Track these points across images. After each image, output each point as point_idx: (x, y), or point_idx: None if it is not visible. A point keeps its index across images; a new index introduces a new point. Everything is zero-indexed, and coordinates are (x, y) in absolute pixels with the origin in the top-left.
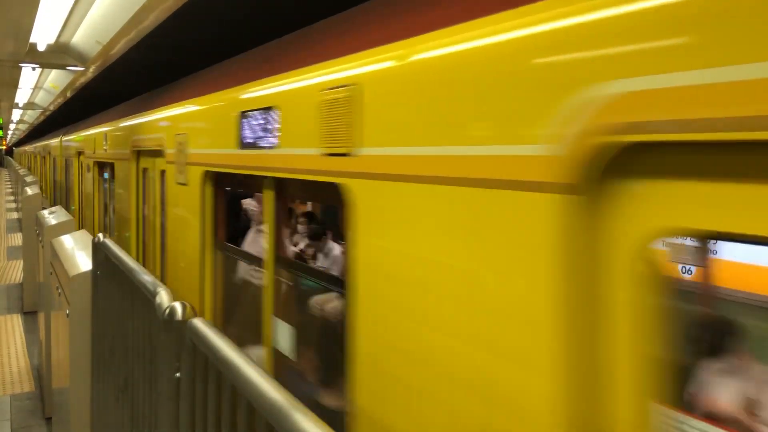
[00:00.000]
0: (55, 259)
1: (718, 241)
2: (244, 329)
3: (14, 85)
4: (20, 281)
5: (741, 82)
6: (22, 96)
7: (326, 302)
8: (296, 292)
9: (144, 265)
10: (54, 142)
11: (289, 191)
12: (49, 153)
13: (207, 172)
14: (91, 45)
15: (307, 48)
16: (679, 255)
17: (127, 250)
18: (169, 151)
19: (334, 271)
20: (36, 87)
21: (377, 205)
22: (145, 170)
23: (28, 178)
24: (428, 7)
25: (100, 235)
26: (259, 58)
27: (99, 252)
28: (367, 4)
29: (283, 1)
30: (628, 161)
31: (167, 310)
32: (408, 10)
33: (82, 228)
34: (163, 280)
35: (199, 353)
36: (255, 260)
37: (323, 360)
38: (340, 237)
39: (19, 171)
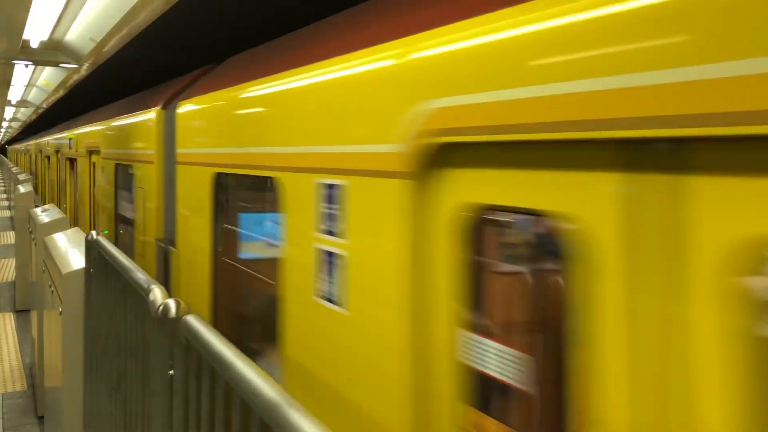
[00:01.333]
0: (48, 257)
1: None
2: None
3: (7, 82)
4: (12, 279)
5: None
6: (14, 93)
7: None
8: None
9: None
10: (84, 131)
11: None
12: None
13: None
14: (85, 42)
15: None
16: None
17: None
18: None
19: None
20: (29, 84)
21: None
22: None
23: (21, 176)
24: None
25: (93, 232)
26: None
27: (92, 250)
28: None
29: (281, 0)
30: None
31: (161, 308)
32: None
33: None
34: None
35: (193, 350)
36: None
37: None
38: None
39: (12, 169)
